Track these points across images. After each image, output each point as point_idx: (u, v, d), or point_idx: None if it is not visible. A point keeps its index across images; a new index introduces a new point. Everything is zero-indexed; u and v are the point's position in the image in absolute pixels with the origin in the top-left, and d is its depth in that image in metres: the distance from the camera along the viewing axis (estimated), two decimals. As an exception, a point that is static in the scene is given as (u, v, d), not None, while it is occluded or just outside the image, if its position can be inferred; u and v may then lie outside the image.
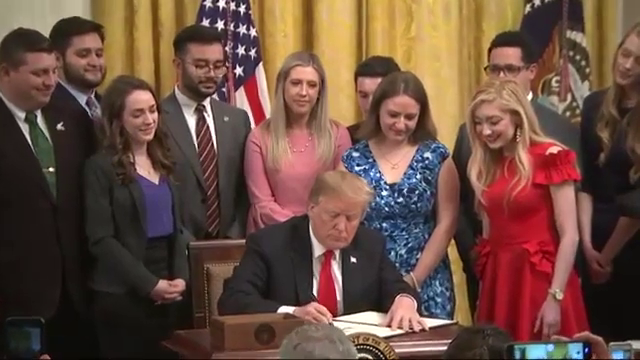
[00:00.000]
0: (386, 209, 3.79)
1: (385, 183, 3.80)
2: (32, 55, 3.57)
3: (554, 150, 3.57)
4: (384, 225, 3.79)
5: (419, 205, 3.80)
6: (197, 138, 4.04)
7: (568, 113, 4.88)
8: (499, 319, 3.52)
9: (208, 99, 4.11)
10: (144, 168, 3.72)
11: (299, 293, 3.38)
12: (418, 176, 3.80)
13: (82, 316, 3.66)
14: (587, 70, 4.96)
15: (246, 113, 4.36)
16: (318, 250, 3.45)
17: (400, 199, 3.79)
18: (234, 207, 4.08)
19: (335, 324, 3.16)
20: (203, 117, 4.08)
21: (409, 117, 3.77)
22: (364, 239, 3.52)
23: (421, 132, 3.83)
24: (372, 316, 3.37)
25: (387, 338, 3.07)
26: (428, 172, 3.81)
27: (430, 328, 3.30)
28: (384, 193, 3.79)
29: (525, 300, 3.56)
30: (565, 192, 3.58)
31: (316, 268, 3.44)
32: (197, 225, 4.00)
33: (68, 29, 3.94)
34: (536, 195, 3.58)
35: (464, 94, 4.91)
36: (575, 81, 4.93)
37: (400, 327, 3.26)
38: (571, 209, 3.59)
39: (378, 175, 3.81)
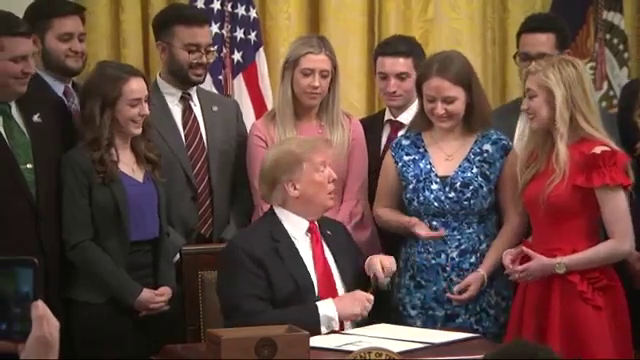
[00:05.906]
0: (435, 204, 3.70)
1: (436, 175, 3.72)
2: (9, 40, 3.49)
3: (598, 150, 3.42)
4: (434, 223, 3.71)
5: (472, 202, 3.69)
6: (184, 130, 3.97)
7: (604, 103, 4.77)
8: (526, 337, 3.37)
9: (194, 87, 4.03)
10: (127, 165, 3.67)
11: (298, 281, 3.36)
12: (474, 170, 3.71)
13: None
14: (625, 55, 4.87)
15: (237, 103, 4.27)
16: (298, 231, 3.43)
17: (451, 194, 3.69)
18: (229, 206, 4.00)
19: (346, 337, 3.17)
20: (189, 106, 4.01)
21: (447, 101, 3.67)
22: (323, 222, 3.54)
23: (475, 118, 3.72)
24: (385, 329, 3.32)
25: (402, 353, 3.01)
26: (487, 166, 3.72)
27: (453, 342, 3.25)
28: (434, 186, 3.71)
29: (554, 317, 3.43)
30: (610, 198, 3.43)
31: (304, 250, 3.42)
32: (188, 226, 3.93)
33: (47, 10, 3.86)
34: (574, 198, 3.44)
35: (488, 83, 4.84)
36: (612, 67, 4.84)
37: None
38: (619, 217, 3.44)
39: (428, 167, 3.74)
